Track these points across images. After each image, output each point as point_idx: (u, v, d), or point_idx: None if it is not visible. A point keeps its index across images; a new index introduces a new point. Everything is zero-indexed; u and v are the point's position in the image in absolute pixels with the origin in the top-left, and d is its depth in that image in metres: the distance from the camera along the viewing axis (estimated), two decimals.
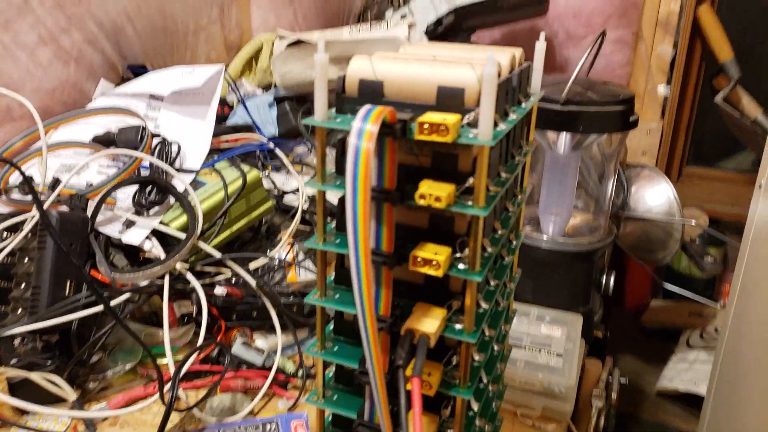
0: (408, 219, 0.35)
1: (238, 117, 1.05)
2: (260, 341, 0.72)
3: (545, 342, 0.69)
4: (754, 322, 0.69)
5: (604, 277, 0.81)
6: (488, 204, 0.32)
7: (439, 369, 0.35)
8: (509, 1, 1.33)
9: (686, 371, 1.40)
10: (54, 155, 0.77)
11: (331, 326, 0.40)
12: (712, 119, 1.79)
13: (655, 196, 1.19)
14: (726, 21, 1.62)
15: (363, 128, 0.28)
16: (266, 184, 0.90)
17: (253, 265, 0.74)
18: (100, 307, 0.59)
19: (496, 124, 0.33)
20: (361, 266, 0.27)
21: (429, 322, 0.33)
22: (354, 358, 0.37)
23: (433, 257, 0.32)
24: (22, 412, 0.59)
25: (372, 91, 0.33)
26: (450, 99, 0.32)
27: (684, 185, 1.84)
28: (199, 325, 0.64)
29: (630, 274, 1.93)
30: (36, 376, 0.55)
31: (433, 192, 0.31)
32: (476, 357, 0.38)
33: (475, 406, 0.39)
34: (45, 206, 0.64)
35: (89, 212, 0.66)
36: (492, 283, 0.40)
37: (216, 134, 0.92)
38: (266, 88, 1.21)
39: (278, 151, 0.90)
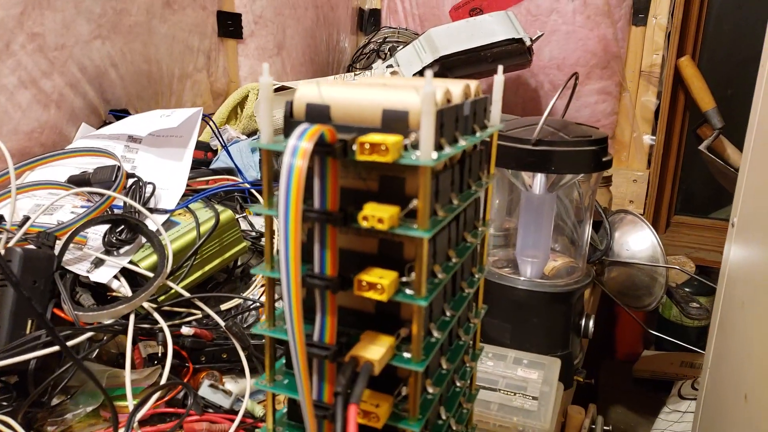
0: (357, 245, 0.35)
1: (220, 162, 1.05)
2: (230, 385, 0.70)
3: (521, 385, 0.67)
4: (732, 364, 0.67)
5: (584, 319, 0.80)
6: (433, 227, 0.31)
7: (388, 401, 0.34)
8: (492, 51, 1.36)
9: (678, 423, 1.37)
10: (28, 196, 0.77)
11: (283, 360, 0.39)
12: (699, 169, 1.81)
13: (638, 241, 1.18)
14: (706, 72, 1.65)
15: (297, 146, 0.27)
16: (244, 225, 0.89)
17: (225, 307, 0.73)
18: (58, 348, 0.57)
19: (442, 147, 0.33)
20: (291, 286, 0.26)
21: (374, 350, 0.32)
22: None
23: (377, 281, 0.31)
24: None
25: (318, 114, 0.33)
26: (395, 122, 0.32)
27: (673, 234, 1.84)
28: (162, 386, 0.62)
29: (620, 324, 1.91)
30: None
31: (376, 213, 0.30)
32: (430, 389, 0.37)
33: None
34: (11, 243, 0.63)
35: (57, 250, 0.65)
36: (448, 313, 0.39)
37: (196, 177, 0.93)
38: (251, 134, 1.22)
39: (256, 193, 0.90)
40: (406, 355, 0.33)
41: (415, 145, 0.31)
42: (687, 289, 1.49)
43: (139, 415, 0.56)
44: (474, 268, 0.46)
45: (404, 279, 0.33)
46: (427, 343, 0.35)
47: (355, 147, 0.30)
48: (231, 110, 1.26)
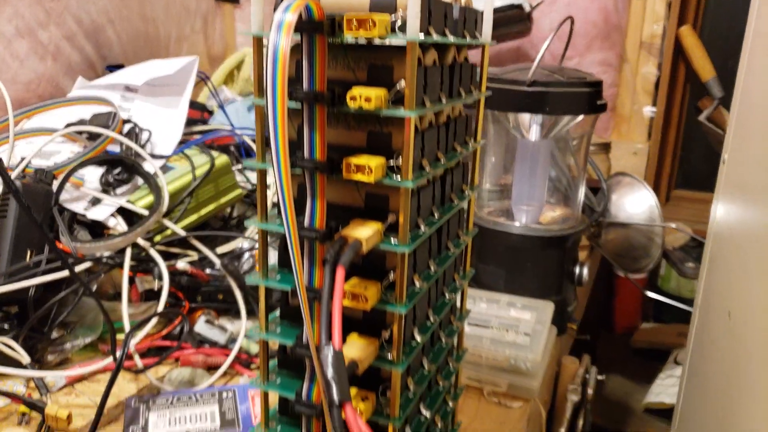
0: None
1: (216, 122, 1.06)
2: (226, 325, 0.71)
3: (514, 324, 0.68)
4: (716, 325, 0.68)
5: (577, 267, 0.80)
6: (419, 113, 0.32)
7: (376, 285, 0.35)
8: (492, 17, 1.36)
9: (673, 386, 1.37)
10: (26, 142, 0.77)
11: (277, 312, 0.40)
12: (700, 143, 1.81)
13: (636, 203, 1.19)
14: (707, 43, 1.65)
15: (283, 19, 0.28)
16: (240, 179, 0.90)
17: (221, 251, 0.74)
18: (60, 274, 0.58)
19: (429, 34, 0.33)
20: (282, 174, 0.27)
21: (362, 230, 0.33)
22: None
23: (365, 163, 0.32)
24: None
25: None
26: (382, 8, 0.32)
27: (672, 208, 1.84)
28: (158, 314, 0.63)
29: (619, 297, 1.92)
30: None
31: (364, 93, 0.31)
32: (417, 284, 0.37)
33: None
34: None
35: (55, 188, 0.66)
36: (436, 215, 0.40)
37: (191, 134, 0.93)
38: (247, 97, 1.22)
39: (249, 141, 0.90)
40: (393, 240, 0.34)
41: (402, 28, 0.31)
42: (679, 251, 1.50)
43: (135, 340, 0.57)
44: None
45: (393, 166, 0.33)
46: (414, 234, 0.35)
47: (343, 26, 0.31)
48: (227, 74, 1.26)
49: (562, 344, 0.90)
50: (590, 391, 0.87)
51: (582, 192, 0.86)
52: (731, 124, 0.72)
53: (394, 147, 0.34)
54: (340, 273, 0.28)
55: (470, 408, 0.61)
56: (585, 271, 0.80)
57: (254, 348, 0.67)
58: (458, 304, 0.50)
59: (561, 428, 0.81)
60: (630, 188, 1.20)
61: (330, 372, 0.23)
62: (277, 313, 0.40)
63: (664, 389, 1.39)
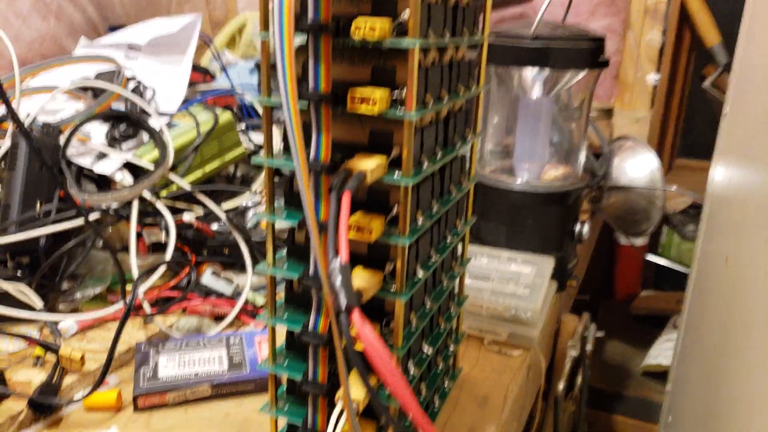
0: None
1: (218, 85, 1.06)
2: (232, 278, 0.72)
3: (514, 277, 0.69)
4: (714, 271, 0.69)
5: (578, 225, 0.81)
6: (423, 42, 0.33)
7: (380, 219, 0.36)
8: None
9: (670, 349, 1.39)
10: (31, 100, 0.78)
11: (284, 252, 0.41)
12: (703, 112, 1.80)
13: (637, 166, 1.19)
14: (714, 8, 1.63)
15: None
16: (243, 139, 0.90)
17: (226, 207, 0.75)
18: (70, 224, 0.59)
19: None
20: (290, 103, 0.27)
21: (367, 162, 0.33)
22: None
23: (370, 95, 0.33)
24: None
25: None
26: None
27: (674, 178, 1.84)
28: (166, 263, 0.64)
29: (620, 265, 1.93)
30: (5, 284, 0.55)
31: (369, 23, 0.32)
32: (420, 220, 0.38)
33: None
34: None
35: (62, 143, 0.67)
36: (439, 154, 0.40)
37: (194, 93, 0.93)
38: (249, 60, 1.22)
39: (256, 103, 0.91)
40: (397, 174, 0.35)
41: None
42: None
43: (144, 287, 0.58)
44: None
45: (396, 99, 0.34)
46: (416, 170, 0.36)
47: None
48: (229, 38, 1.26)
49: (561, 303, 0.92)
50: (589, 347, 0.89)
51: (583, 154, 0.87)
52: (732, 80, 0.72)
53: (398, 81, 0.35)
54: (346, 197, 0.29)
55: (471, 356, 0.63)
56: (585, 228, 0.81)
57: (260, 300, 0.69)
58: (459, 251, 0.52)
59: (560, 382, 0.82)
60: (632, 152, 1.20)
61: (338, 281, 0.24)
62: (284, 252, 0.41)
63: (662, 352, 1.41)
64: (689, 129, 1.87)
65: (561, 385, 0.82)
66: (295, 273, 0.39)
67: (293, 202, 0.39)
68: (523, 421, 0.69)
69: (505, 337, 0.64)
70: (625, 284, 1.92)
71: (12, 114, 0.43)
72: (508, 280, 0.68)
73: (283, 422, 0.45)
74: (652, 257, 1.83)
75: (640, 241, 1.60)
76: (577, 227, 0.82)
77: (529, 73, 0.76)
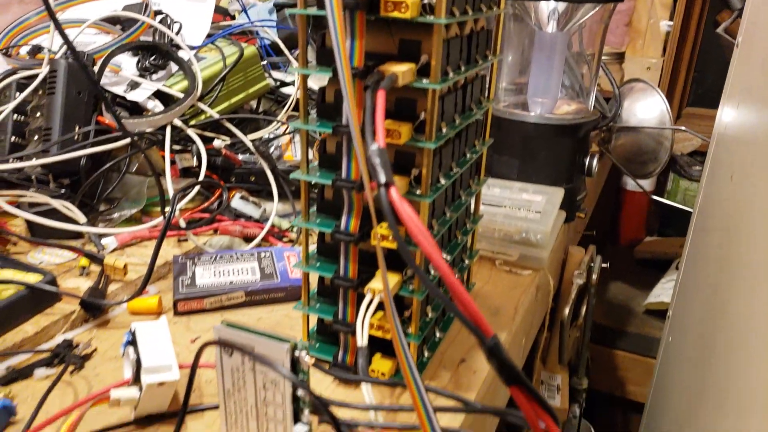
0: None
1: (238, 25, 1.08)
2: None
3: (525, 204, 0.73)
4: (719, 189, 0.72)
5: (588, 158, 0.84)
6: None
7: (408, 125, 0.39)
8: None
9: (672, 289, 1.44)
10: None
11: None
12: (715, 61, 1.80)
13: (647, 108, 1.21)
14: None
15: None
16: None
17: (252, 137, 0.78)
18: (108, 146, 0.63)
19: None
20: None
21: (398, 67, 0.37)
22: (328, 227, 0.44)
23: (403, 0, 0.36)
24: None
25: None
26: None
27: (683, 124, 1.86)
28: (200, 182, 0.68)
29: (626, 210, 1.97)
30: (52, 201, 0.59)
31: None
32: (444, 129, 0.42)
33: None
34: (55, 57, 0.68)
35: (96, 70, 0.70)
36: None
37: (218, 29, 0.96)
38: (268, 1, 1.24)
39: (278, 41, 0.93)
40: (425, 80, 0.38)
41: None
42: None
43: (179, 204, 0.62)
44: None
45: (426, 4, 0.37)
46: (443, 79, 0.39)
47: None
48: None
49: (570, 234, 0.96)
50: (594, 277, 0.93)
51: (594, 93, 0.89)
52: (743, 22, 0.74)
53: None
54: (381, 94, 0.32)
55: (483, 275, 0.67)
56: (595, 161, 0.84)
57: (285, 224, 0.73)
58: (476, 173, 0.55)
59: (566, 307, 0.87)
60: (642, 94, 1.22)
61: (377, 161, 0.28)
62: (316, 163, 0.45)
63: (664, 291, 1.46)
64: (700, 78, 1.87)
65: (567, 310, 0.87)
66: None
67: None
68: (532, 337, 0.74)
69: (515, 258, 0.68)
70: (630, 229, 1.96)
71: (61, 32, 0.46)
72: (520, 207, 0.72)
73: (313, 322, 0.50)
74: (657, 203, 1.86)
75: (647, 185, 1.62)
76: (587, 160, 0.85)
77: (545, 7, 0.78)
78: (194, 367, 0.37)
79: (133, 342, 0.41)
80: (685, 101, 1.91)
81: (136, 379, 0.40)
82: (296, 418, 0.37)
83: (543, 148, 0.81)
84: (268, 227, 0.69)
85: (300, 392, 0.36)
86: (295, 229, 0.71)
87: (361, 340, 0.40)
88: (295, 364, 0.36)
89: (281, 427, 0.37)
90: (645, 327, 1.44)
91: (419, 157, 0.41)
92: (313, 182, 0.44)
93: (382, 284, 0.42)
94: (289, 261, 0.61)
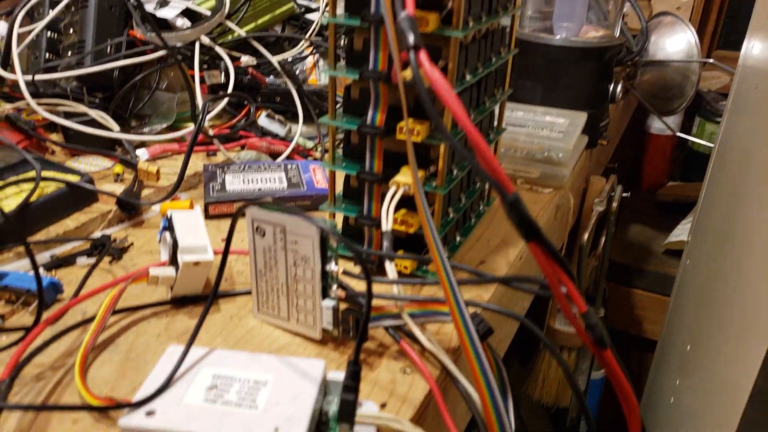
0: None
1: None
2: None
3: (548, 125, 0.73)
4: (745, 99, 0.72)
5: (612, 84, 0.84)
6: None
7: (436, 14, 0.40)
8: None
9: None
10: None
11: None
12: (748, 3, 1.75)
13: (675, 42, 1.19)
14: None
15: None
16: None
17: (278, 58, 0.79)
18: (140, 59, 0.64)
19: None
20: None
21: None
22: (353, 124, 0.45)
23: None
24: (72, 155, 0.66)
25: None
26: None
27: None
28: (230, 95, 0.70)
29: (648, 154, 1.95)
30: (89, 110, 0.61)
31: None
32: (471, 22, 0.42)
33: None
34: None
35: None
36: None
37: None
38: None
39: None
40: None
41: None
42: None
43: (210, 114, 0.64)
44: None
45: None
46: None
47: None
48: None
49: (591, 165, 0.96)
50: (615, 205, 0.94)
51: (620, 23, 0.88)
52: None
53: None
54: None
55: None
56: (619, 87, 0.84)
57: (309, 144, 0.74)
58: (501, 84, 0.56)
59: (585, 233, 0.88)
60: (670, 28, 1.20)
61: (406, 24, 0.29)
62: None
63: (685, 231, 1.46)
64: (731, 20, 1.82)
65: (586, 236, 0.88)
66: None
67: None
68: None
69: (537, 176, 0.69)
70: (653, 173, 1.95)
71: None
72: (543, 128, 0.73)
73: (339, 222, 0.52)
74: (681, 147, 1.84)
75: (671, 122, 1.60)
76: (611, 86, 0.85)
77: None
78: (231, 231, 0.38)
79: (169, 227, 0.44)
80: (715, 44, 1.86)
81: (173, 261, 0.43)
82: (324, 294, 0.39)
83: (567, 72, 0.81)
84: (294, 144, 0.70)
85: (329, 268, 0.38)
86: (319, 149, 0.73)
87: (386, 225, 0.42)
88: (325, 242, 0.38)
89: (310, 301, 0.40)
90: (664, 266, 1.44)
91: (445, 50, 0.42)
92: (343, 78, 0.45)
93: (406, 178, 0.44)
94: (314, 173, 0.63)
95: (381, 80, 0.42)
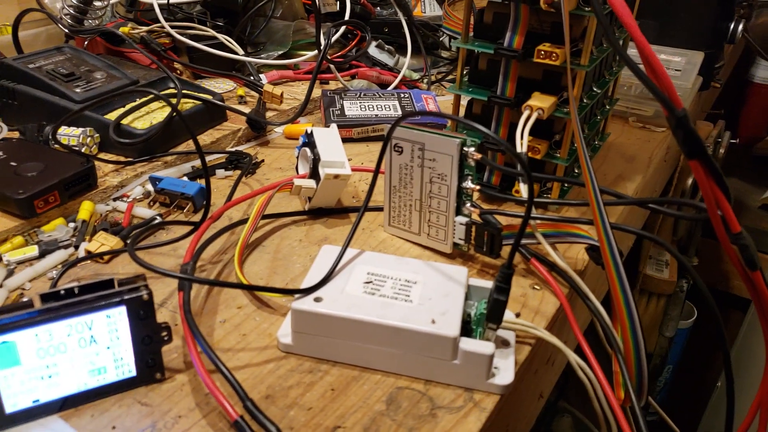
0: None
1: None
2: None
3: (664, 62, 0.71)
4: None
5: (732, 23, 0.80)
6: None
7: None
8: None
9: None
10: None
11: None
12: None
13: None
14: None
15: None
16: None
17: None
18: None
19: None
20: None
21: None
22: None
23: None
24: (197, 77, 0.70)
25: None
26: None
27: None
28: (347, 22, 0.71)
29: (749, 105, 1.85)
30: (217, 34, 0.64)
31: None
32: None
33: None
34: None
35: None
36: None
37: None
38: None
39: None
40: None
41: None
42: None
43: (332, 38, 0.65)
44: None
45: None
46: None
47: None
48: None
49: (697, 110, 0.93)
50: (722, 151, 0.91)
51: None
52: None
53: None
54: None
55: (616, 129, 0.67)
56: (740, 27, 0.80)
57: (416, 76, 0.75)
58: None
59: (689, 178, 0.86)
60: None
61: None
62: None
63: None
64: None
65: (689, 180, 0.86)
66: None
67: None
68: (658, 192, 0.74)
69: (650, 114, 0.68)
70: (751, 126, 1.85)
71: None
72: None
73: None
74: None
75: None
76: (731, 25, 0.81)
77: None
78: (385, 145, 0.40)
79: (309, 143, 0.46)
80: None
81: (313, 174, 0.45)
82: (458, 211, 0.41)
83: (684, 9, 0.78)
84: (402, 74, 0.71)
85: (465, 185, 0.40)
86: (425, 81, 0.74)
87: (522, 147, 0.43)
88: (463, 160, 0.39)
89: (443, 217, 0.41)
90: (761, 222, 1.39)
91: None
92: None
93: (540, 102, 0.44)
94: (426, 102, 0.64)
95: (522, 2, 0.42)
